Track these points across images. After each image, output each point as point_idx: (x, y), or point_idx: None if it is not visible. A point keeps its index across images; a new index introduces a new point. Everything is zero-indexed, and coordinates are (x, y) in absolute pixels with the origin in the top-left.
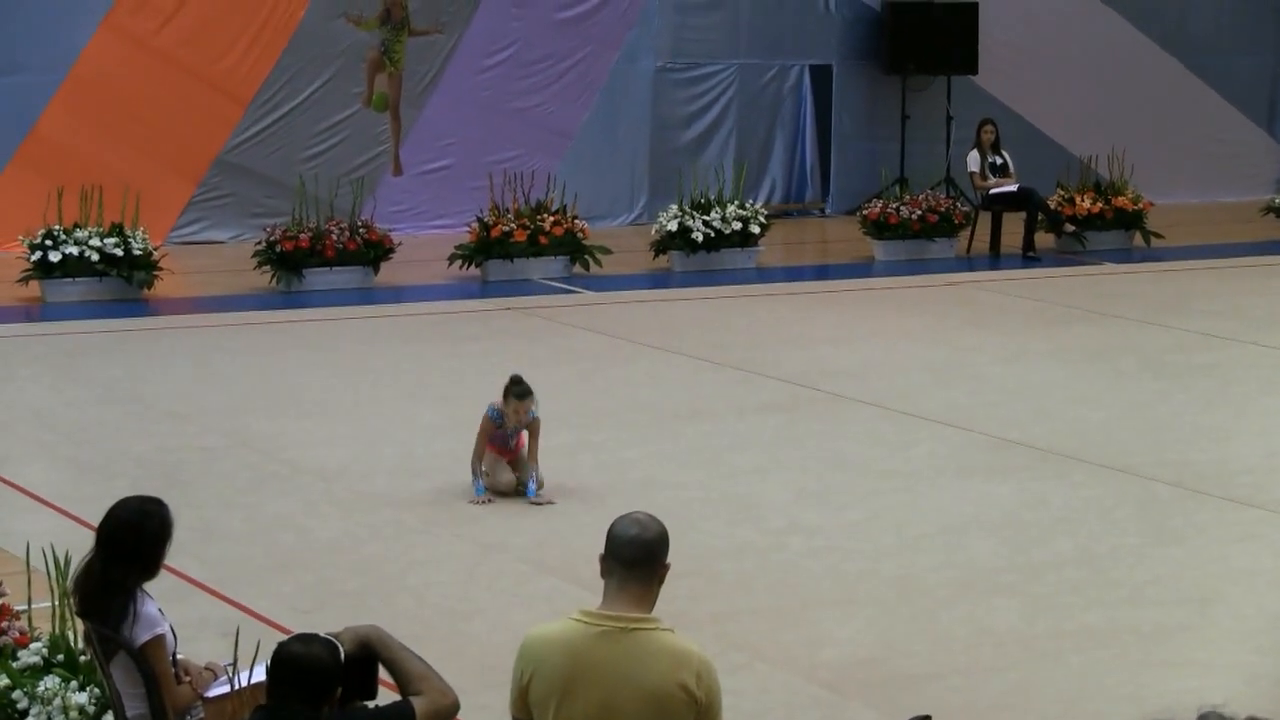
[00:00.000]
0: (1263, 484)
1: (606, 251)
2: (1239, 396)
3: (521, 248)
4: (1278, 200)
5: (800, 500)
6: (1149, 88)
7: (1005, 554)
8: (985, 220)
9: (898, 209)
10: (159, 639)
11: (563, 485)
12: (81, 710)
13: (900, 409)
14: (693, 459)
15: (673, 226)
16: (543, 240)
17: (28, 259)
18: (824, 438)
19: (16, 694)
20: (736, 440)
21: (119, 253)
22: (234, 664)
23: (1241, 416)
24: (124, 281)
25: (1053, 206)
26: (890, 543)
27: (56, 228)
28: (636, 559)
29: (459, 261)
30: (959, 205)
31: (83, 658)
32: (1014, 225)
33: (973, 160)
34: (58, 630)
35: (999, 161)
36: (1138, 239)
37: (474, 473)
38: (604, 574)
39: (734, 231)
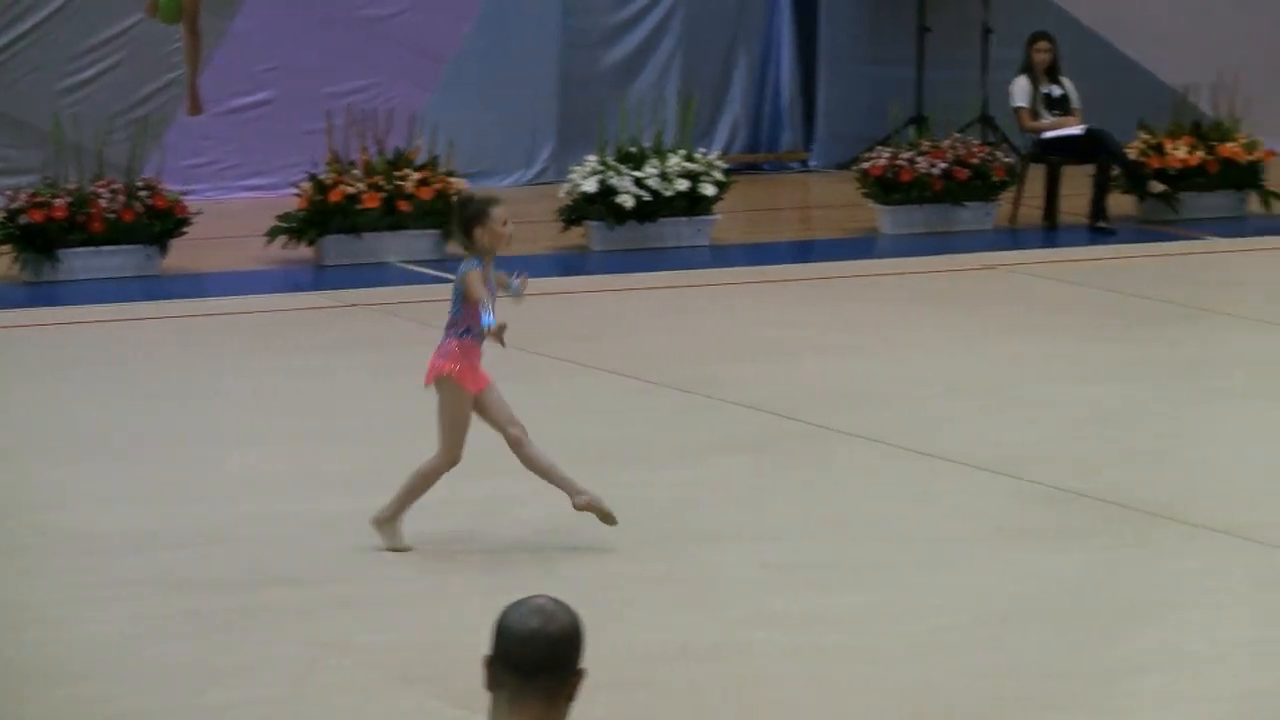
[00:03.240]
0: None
1: None
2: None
3: (374, 218)
4: None
5: (772, 578)
6: None
7: (1065, 654)
8: (1037, 176)
9: (912, 161)
10: None
11: (438, 553)
12: None
13: (916, 447)
14: (621, 520)
15: (590, 187)
16: (404, 207)
17: None
18: (807, 488)
19: None
20: (683, 493)
21: None
22: None
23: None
24: None
25: (1133, 157)
26: (902, 639)
27: None
28: (538, 664)
29: (283, 238)
30: (1000, 155)
31: None
32: (1079, 183)
33: (1020, 91)
34: None
35: (1057, 93)
36: (1254, 203)
37: (486, 307)
38: (490, 685)
39: (678, 194)
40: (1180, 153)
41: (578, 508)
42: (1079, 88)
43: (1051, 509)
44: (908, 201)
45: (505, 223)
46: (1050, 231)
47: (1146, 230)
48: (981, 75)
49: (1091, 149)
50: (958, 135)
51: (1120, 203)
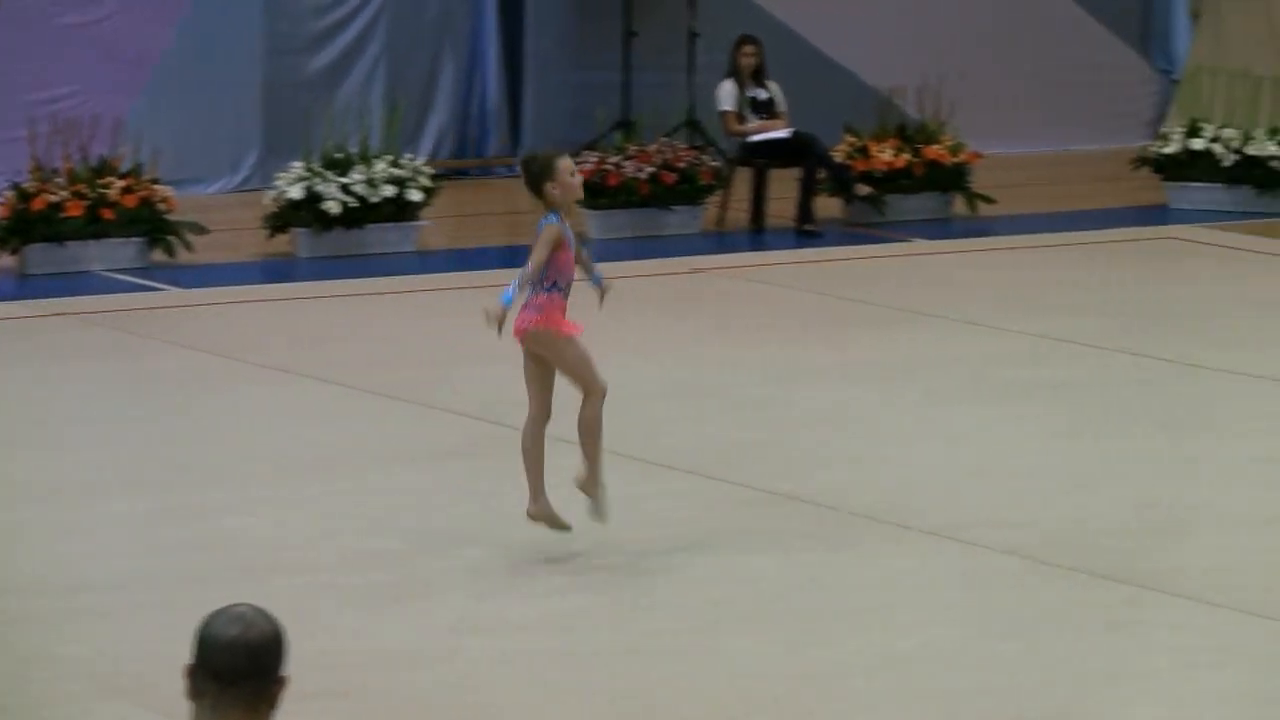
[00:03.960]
0: (1139, 551)
1: (202, 230)
2: (1105, 424)
3: (77, 226)
4: (1154, 149)
5: (481, 584)
6: None
7: (776, 656)
8: (744, 179)
9: (619, 165)
10: None
11: (140, 568)
12: None
13: (629, 452)
14: (329, 526)
15: (297, 193)
16: (107, 215)
17: None
18: (518, 493)
19: None
20: (391, 499)
21: None
22: None
23: (1107, 454)
24: None
25: (839, 160)
26: (615, 644)
27: None
28: (239, 672)
29: None
30: (707, 159)
31: None
32: (786, 187)
33: (726, 95)
34: None
35: (763, 96)
36: (959, 205)
37: (520, 285)
38: (192, 694)
39: (385, 200)
40: (886, 155)
41: (529, 513)
42: (785, 91)
43: (763, 512)
44: (615, 206)
45: (572, 173)
46: (757, 235)
47: (853, 233)
48: (688, 79)
49: (798, 152)
50: (665, 139)
51: (827, 205)
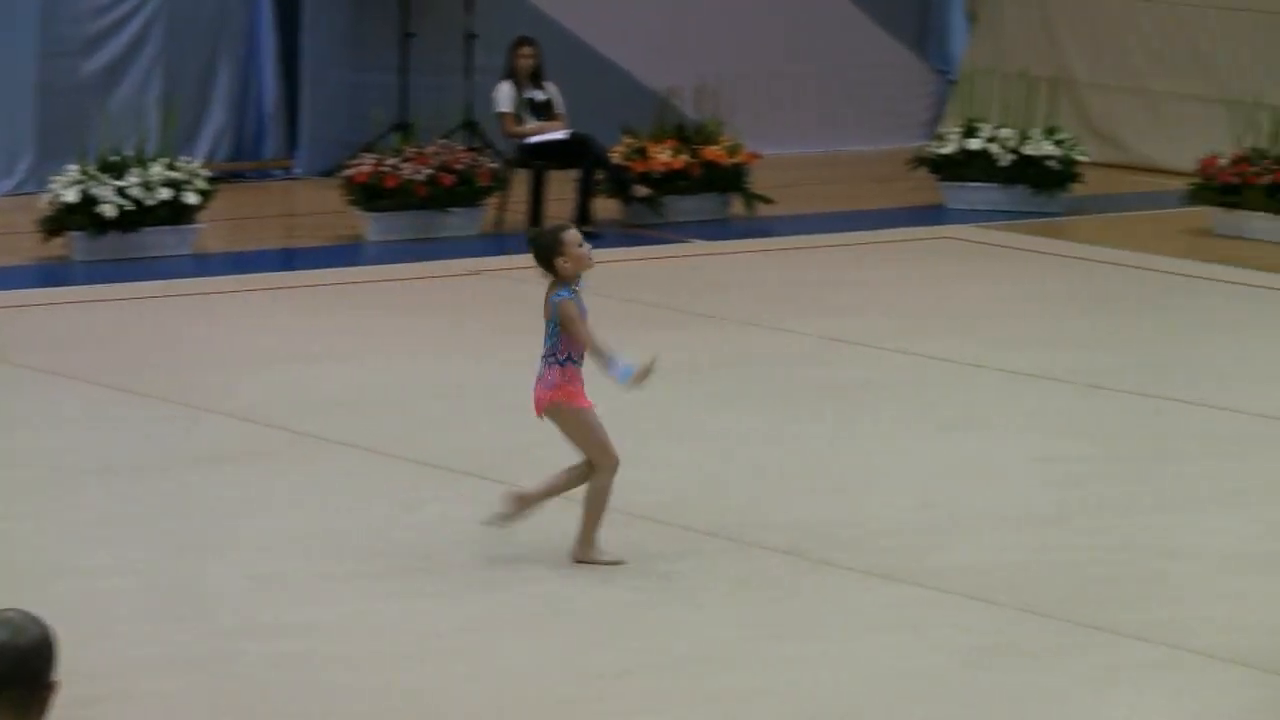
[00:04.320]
0: (917, 549)
1: None
2: (885, 425)
3: None
4: (931, 149)
5: (260, 590)
6: None
7: (553, 659)
8: (523, 181)
9: (396, 167)
10: None
11: None
12: None
13: (402, 454)
14: (102, 532)
15: (72, 196)
16: None
17: None
18: (296, 498)
19: None
20: (168, 504)
21: None
22: None
23: (887, 454)
24: None
25: (617, 161)
26: (391, 648)
27: None
28: (6, 677)
29: None
30: (485, 161)
31: None
32: (564, 188)
33: (504, 97)
34: None
35: (541, 98)
36: (737, 205)
37: (608, 358)
38: None
39: (161, 203)
40: (664, 156)
41: (507, 505)
42: (563, 92)
43: (541, 515)
44: (393, 208)
45: (580, 244)
46: None
47: (631, 234)
48: (465, 81)
49: (575, 153)
50: (442, 141)
51: (605, 207)
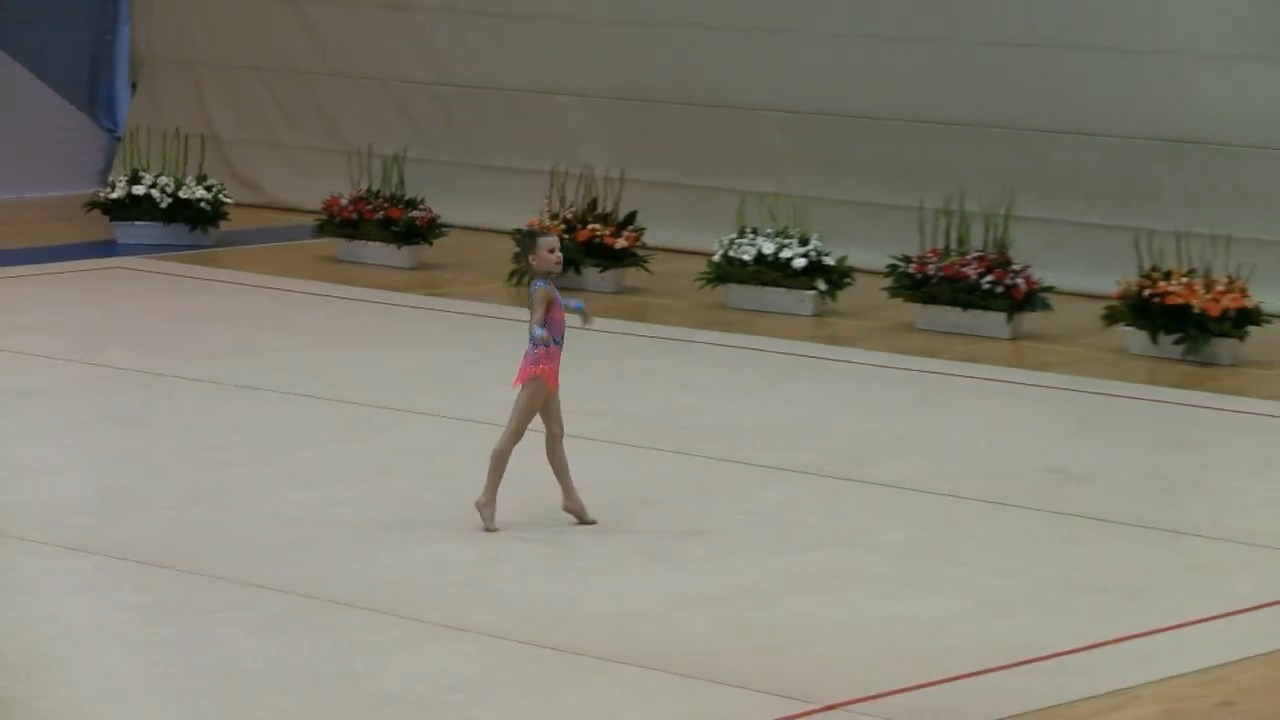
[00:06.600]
0: (102, 526)
1: None
2: (73, 425)
3: None
4: (102, 194)
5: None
6: None
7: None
8: None
9: None
10: None
11: None
12: None
13: None
14: None
15: None
16: None
17: None
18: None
19: None
20: None
21: None
22: None
23: (75, 449)
24: None
25: None
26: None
27: None
28: None
29: None
30: None
31: None
32: None
33: None
34: None
35: None
36: None
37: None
38: None
39: None
40: None
41: (564, 508)
42: None
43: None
44: None
45: (551, 250)
46: None
47: None
48: None
49: None
50: None
51: None
